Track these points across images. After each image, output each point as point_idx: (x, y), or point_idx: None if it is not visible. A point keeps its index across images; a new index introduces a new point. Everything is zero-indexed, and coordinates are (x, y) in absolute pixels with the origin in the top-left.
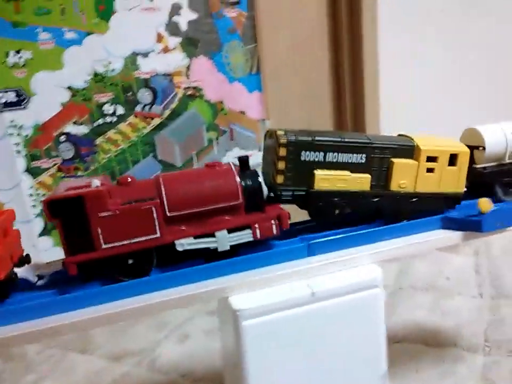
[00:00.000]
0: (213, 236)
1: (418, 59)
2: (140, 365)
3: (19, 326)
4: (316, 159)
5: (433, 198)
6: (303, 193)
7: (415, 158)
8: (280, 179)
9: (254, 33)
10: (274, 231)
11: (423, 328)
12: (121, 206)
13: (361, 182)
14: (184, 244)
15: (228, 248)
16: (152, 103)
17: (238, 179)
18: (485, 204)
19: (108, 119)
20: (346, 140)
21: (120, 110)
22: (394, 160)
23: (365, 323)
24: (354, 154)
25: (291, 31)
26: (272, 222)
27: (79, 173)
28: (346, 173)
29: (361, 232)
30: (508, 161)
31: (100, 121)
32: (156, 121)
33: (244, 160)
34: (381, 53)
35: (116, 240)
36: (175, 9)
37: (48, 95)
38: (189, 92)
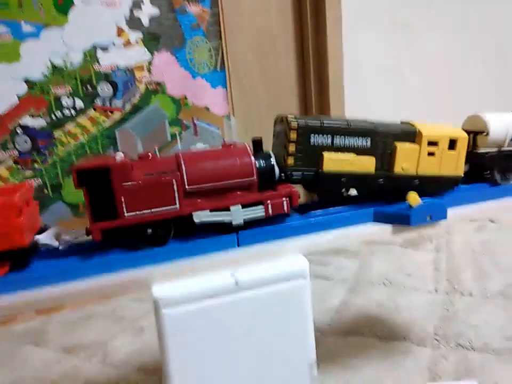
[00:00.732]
0: (228, 210)
1: (381, 52)
2: (92, 358)
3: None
4: (324, 143)
5: (434, 180)
6: (312, 174)
7: (417, 142)
8: (290, 161)
9: (218, 29)
10: (285, 208)
11: (376, 322)
12: (144, 177)
13: (366, 164)
14: (201, 215)
15: (242, 222)
16: (112, 97)
17: (252, 158)
18: (414, 198)
19: (67, 112)
20: (352, 124)
21: (79, 103)
22: (397, 144)
23: (291, 313)
24: (360, 138)
25: (255, 28)
26: (283, 199)
27: (36, 166)
28: (353, 155)
29: (290, 223)
30: (507, 148)
31: (58, 114)
32: (117, 115)
33: (258, 142)
34: (346, 50)
35: (138, 209)
36: (137, 4)
37: (5, 87)
38: (151, 87)
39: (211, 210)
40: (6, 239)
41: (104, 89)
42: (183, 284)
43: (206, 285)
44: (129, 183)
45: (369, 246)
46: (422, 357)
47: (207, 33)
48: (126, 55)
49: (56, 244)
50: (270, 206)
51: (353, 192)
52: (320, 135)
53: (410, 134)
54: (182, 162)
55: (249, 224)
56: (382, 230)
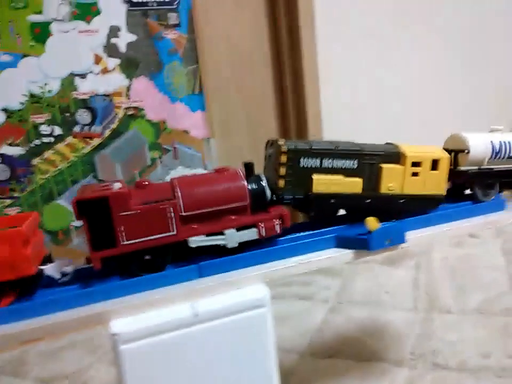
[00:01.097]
0: (222, 234)
1: (357, 70)
2: None
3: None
4: (313, 165)
5: (418, 199)
6: (302, 196)
7: (401, 163)
8: (281, 183)
9: (195, 54)
10: (278, 230)
11: (354, 343)
12: (141, 205)
13: (354, 185)
14: (197, 240)
15: (236, 245)
16: (91, 124)
17: (245, 182)
18: (372, 222)
19: (45, 140)
20: (339, 148)
21: (58, 131)
22: (383, 165)
23: (252, 343)
24: (347, 160)
25: (232, 50)
26: (275, 221)
27: (16, 194)
28: (341, 177)
29: (252, 252)
30: (486, 166)
31: (37, 141)
32: (96, 141)
33: (249, 165)
34: (321, 68)
35: (136, 237)
36: (114, 32)
37: None
38: (130, 112)
39: (207, 235)
40: (14, 268)
41: (83, 115)
42: (141, 318)
43: (164, 318)
44: (128, 212)
45: (351, 265)
46: (398, 378)
47: (184, 58)
48: (104, 81)
49: (58, 276)
50: (263, 228)
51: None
52: (309, 158)
53: (395, 155)
54: (178, 189)
55: (214, 250)
56: (343, 256)
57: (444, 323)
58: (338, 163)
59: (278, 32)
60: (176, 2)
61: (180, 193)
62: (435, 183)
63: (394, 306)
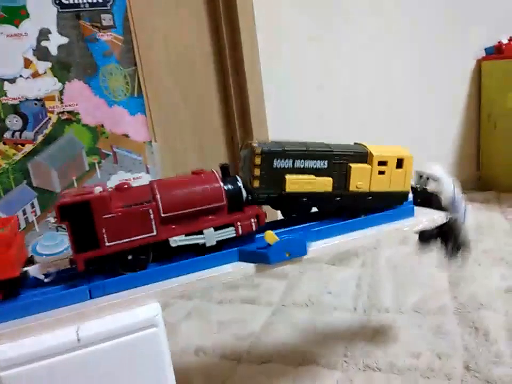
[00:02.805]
0: (201, 233)
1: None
2: None
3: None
4: (286, 166)
5: (385, 196)
6: (276, 195)
7: (368, 163)
8: (256, 183)
9: (132, 56)
10: (254, 228)
11: (291, 347)
12: (122, 208)
13: (324, 184)
14: (177, 240)
15: (215, 243)
16: (22, 129)
17: (221, 183)
18: (270, 236)
19: None
20: (310, 149)
21: None
22: (352, 165)
23: (145, 365)
24: (318, 161)
25: (171, 50)
26: (252, 220)
27: None
28: (312, 177)
29: (146, 271)
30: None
31: None
32: (28, 147)
33: (225, 167)
34: (264, 66)
35: (118, 238)
36: (44, 34)
37: None
38: (64, 117)
39: (186, 235)
40: None
41: (13, 121)
42: (23, 344)
43: (47, 343)
44: (109, 214)
45: (299, 265)
46: (328, 381)
47: (121, 60)
48: (35, 85)
49: (42, 277)
50: (239, 226)
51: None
52: (282, 160)
53: (362, 155)
54: (157, 192)
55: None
56: (246, 269)
57: (381, 323)
58: (310, 163)
59: (219, 31)
60: (109, 4)
61: (158, 196)
62: (400, 181)
63: (335, 307)
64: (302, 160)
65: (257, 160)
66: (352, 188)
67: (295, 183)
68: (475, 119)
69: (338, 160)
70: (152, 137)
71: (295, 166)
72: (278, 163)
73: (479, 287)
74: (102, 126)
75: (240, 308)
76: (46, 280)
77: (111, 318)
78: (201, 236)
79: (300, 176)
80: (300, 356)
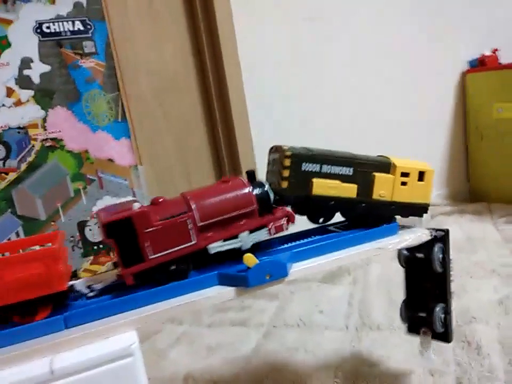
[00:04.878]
0: (236, 237)
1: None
2: None
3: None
4: (314, 170)
5: (407, 206)
6: (303, 196)
7: (391, 173)
8: (285, 184)
9: (115, 81)
10: (285, 228)
11: (282, 369)
12: (162, 221)
13: (349, 190)
14: (216, 247)
15: (250, 246)
16: (6, 158)
17: (250, 188)
18: (249, 259)
19: None
20: (337, 156)
21: None
22: (375, 173)
23: None
24: (344, 167)
25: (154, 74)
26: (282, 220)
27: None
28: (338, 182)
29: (121, 298)
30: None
31: None
32: (12, 175)
33: (251, 173)
34: (247, 89)
35: (161, 250)
36: (26, 63)
37: None
38: (48, 144)
39: (223, 241)
40: (49, 284)
41: None
42: None
43: (19, 376)
44: (151, 228)
45: (290, 285)
46: None
47: (104, 86)
48: (18, 114)
49: (86, 291)
50: (272, 228)
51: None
52: (310, 163)
53: (386, 166)
54: (192, 202)
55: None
56: (226, 293)
57: (372, 341)
58: (336, 169)
59: (202, 55)
60: (91, 31)
61: (194, 205)
62: (421, 193)
63: (327, 327)
64: (329, 166)
65: (287, 162)
66: (375, 196)
67: (321, 186)
68: (463, 131)
69: (363, 168)
70: (137, 161)
71: (322, 170)
72: (306, 166)
73: (471, 300)
74: (87, 151)
75: (231, 331)
76: (90, 294)
77: (86, 348)
78: (237, 240)
79: (326, 181)
80: (291, 377)
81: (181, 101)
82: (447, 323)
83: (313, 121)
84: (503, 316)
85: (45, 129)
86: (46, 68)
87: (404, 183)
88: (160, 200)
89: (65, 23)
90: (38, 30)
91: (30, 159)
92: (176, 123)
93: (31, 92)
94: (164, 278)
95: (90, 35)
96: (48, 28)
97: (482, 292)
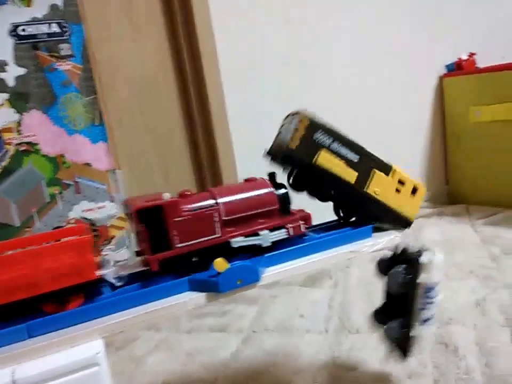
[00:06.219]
0: (257, 235)
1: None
2: None
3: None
4: (324, 142)
5: (394, 214)
6: (307, 163)
7: (390, 176)
8: (293, 145)
9: (92, 84)
10: (303, 229)
11: (260, 375)
12: (191, 212)
13: (350, 175)
14: (238, 241)
15: (270, 244)
16: None
17: (273, 189)
18: (220, 263)
19: None
20: (349, 139)
21: None
22: (376, 170)
23: None
24: (352, 153)
25: (133, 77)
26: (300, 222)
27: None
28: (342, 163)
29: (86, 307)
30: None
31: None
32: None
33: (272, 175)
34: (227, 97)
35: (187, 240)
36: (0, 66)
37: None
38: (22, 148)
39: (245, 236)
40: (81, 273)
41: None
42: None
43: None
44: (179, 218)
45: (270, 289)
46: None
47: (80, 89)
48: None
49: (114, 281)
50: (291, 228)
51: None
52: (323, 135)
53: (387, 167)
54: (218, 197)
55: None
56: (197, 299)
57: (352, 344)
58: (344, 151)
59: (180, 56)
60: (67, 33)
61: (220, 200)
62: (410, 206)
63: (307, 330)
64: (339, 145)
65: (302, 125)
66: (370, 190)
67: (326, 159)
68: (441, 135)
69: (367, 160)
70: (115, 165)
71: (331, 146)
72: (319, 136)
73: (449, 301)
74: (62, 155)
75: (210, 337)
76: (117, 284)
77: (50, 358)
78: (258, 237)
79: (332, 157)
80: (271, 382)
81: (160, 103)
82: (402, 341)
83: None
84: (480, 317)
85: (20, 133)
86: (21, 71)
87: (398, 190)
88: (187, 193)
89: (41, 25)
90: (13, 33)
91: (4, 163)
92: (155, 126)
93: (6, 95)
94: (186, 268)
95: (66, 37)
96: (23, 30)
97: (460, 293)
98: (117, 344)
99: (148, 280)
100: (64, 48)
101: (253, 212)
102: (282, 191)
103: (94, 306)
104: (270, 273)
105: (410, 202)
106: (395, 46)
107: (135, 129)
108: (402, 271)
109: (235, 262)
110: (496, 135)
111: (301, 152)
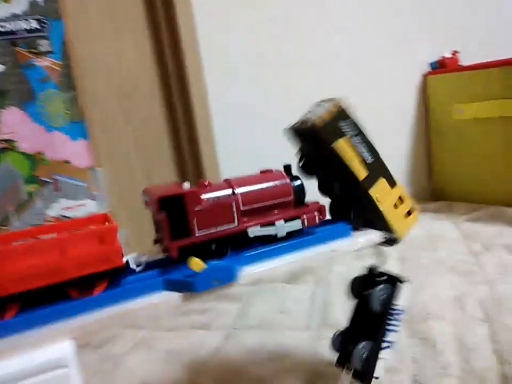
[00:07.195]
0: (272, 225)
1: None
2: None
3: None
4: (346, 133)
5: (388, 224)
6: (325, 145)
7: (393, 190)
8: (319, 124)
9: (71, 80)
10: (317, 221)
11: (243, 372)
12: (210, 201)
13: (361, 171)
14: (254, 231)
15: (284, 234)
16: None
17: (289, 180)
18: (196, 263)
19: None
20: (371, 140)
21: None
22: (383, 179)
23: None
24: (368, 153)
25: (113, 74)
26: (315, 213)
27: None
28: (357, 157)
29: (60, 306)
30: None
31: None
32: None
33: (288, 167)
34: (210, 93)
35: (206, 228)
36: None
37: None
38: (0, 145)
39: (261, 226)
40: (108, 260)
41: None
42: None
43: None
44: (199, 206)
45: (253, 287)
46: None
47: (60, 85)
48: None
49: (135, 267)
50: (305, 219)
51: None
52: (349, 126)
53: (393, 181)
54: (236, 187)
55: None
56: (173, 299)
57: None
58: (362, 148)
59: (162, 53)
60: (47, 29)
61: (238, 190)
62: (402, 225)
63: (288, 327)
64: (360, 141)
65: (332, 110)
66: (373, 194)
67: (344, 147)
68: (424, 132)
69: (378, 166)
70: (96, 163)
71: (352, 139)
72: (344, 125)
73: (428, 296)
74: (41, 153)
75: (191, 334)
76: (137, 269)
77: (17, 359)
78: (273, 227)
79: (350, 148)
80: (252, 379)
81: (141, 100)
82: (369, 364)
83: (279, 118)
84: (459, 312)
85: None
86: (0, 68)
87: (395, 205)
88: (205, 183)
89: (20, 21)
90: None
91: None
92: (136, 122)
93: None
94: (206, 255)
95: (46, 34)
96: (2, 26)
97: (440, 288)
98: (95, 342)
99: (165, 267)
100: (43, 45)
101: (269, 203)
102: (298, 182)
103: (64, 306)
104: (249, 272)
105: (403, 222)
106: (379, 44)
107: (115, 126)
108: (386, 288)
109: (212, 262)
110: (478, 133)
111: (324, 132)
